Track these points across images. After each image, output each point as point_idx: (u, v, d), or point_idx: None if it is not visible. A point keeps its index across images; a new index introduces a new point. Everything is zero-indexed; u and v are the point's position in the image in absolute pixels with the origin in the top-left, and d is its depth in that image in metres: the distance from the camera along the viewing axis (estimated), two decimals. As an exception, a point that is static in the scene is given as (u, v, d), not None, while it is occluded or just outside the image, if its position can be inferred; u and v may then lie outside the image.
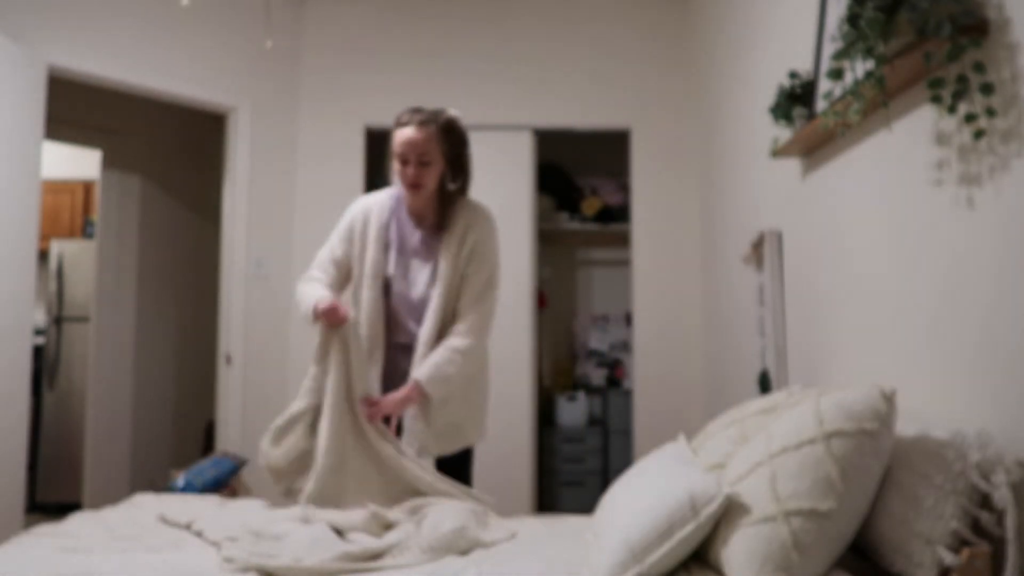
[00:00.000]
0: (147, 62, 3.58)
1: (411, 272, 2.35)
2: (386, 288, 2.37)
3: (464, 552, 1.82)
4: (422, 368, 2.26)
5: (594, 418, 4.85)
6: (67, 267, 5.11)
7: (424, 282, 2.34)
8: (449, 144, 2.32)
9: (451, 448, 2.38)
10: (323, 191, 4.17)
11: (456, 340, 2.28)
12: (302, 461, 2.17)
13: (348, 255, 2.39)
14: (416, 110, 2.31)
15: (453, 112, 2.35)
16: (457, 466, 2.39)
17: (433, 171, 2.30)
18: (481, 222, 2.37)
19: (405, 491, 2.14)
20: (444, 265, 2.31)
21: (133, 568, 1.61)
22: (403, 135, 2.28)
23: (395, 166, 2.30)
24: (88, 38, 3.39)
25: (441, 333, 2.32)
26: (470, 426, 2.40)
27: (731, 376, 3.44)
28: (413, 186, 2.29)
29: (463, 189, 2.39)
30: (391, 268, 2.36)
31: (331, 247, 2.42)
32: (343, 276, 2.42)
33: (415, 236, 2.38)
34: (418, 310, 2.35)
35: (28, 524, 2.48)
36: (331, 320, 2.20)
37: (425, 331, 2.31)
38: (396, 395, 2.25)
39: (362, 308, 2.35)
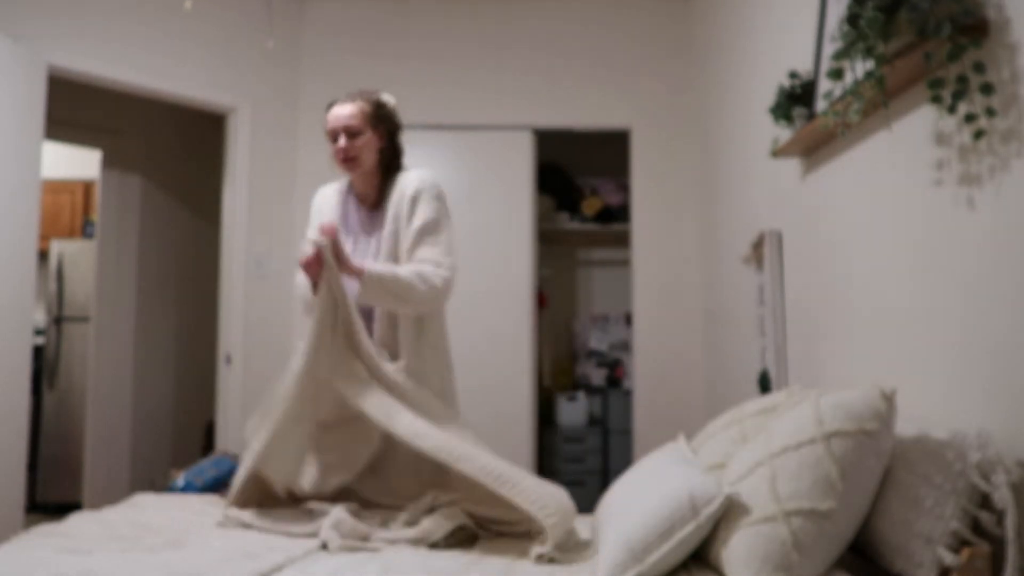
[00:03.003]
0: (147, 62, 3.58)
1: (357, 250, 2.31)
2: None
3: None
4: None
5: (594, 418, 4.85)
6: (67, 267, 5.11)
7: (371, 255, 2.29)
8: (379, 119, 2.32)
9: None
10: (323, 191, 4.17)
11: (416, 266, 2.20)
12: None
13: None
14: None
15: (387, 97, 2.38)
16: None
17: (363, 143, 2.28)
18: (412, 180, 2.31)
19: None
20: (385, 233, 2.27)
21: (133, 568, 1.61)
22: (331, 112, 2.32)
23: (331, 151, 2.31)
24: (88, 38, 3.39)
25: None
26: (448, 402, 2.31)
27: (731, 376, 3.44)
28: (346, 160, 2.28)
29: (397, 166, 2.38)
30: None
31: (307, 238, 2.40)
32: None
33: (359, 215, 2.38)
34: None
35: (28, 524, 2.48)
36: (311, 268, 2.07)
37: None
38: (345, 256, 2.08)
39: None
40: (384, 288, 2.11)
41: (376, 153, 2.32)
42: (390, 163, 2.36)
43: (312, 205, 2.47)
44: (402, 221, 2.27)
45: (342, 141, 2.27)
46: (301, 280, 2.21)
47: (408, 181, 2.31)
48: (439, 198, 2.31)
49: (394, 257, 2.26)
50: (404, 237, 2.26)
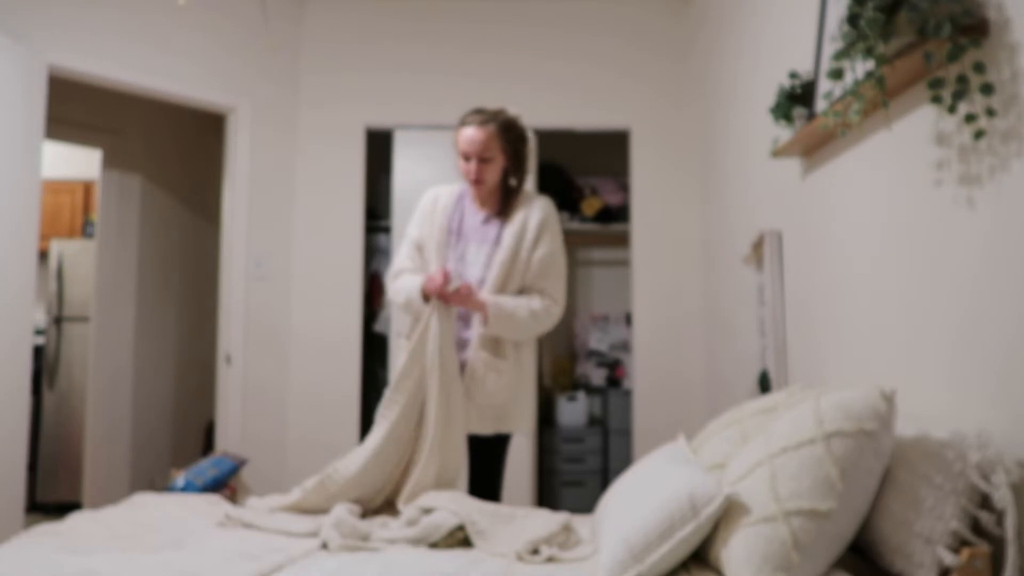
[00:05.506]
0: (147, 62, 3.58)
1: (468, 255, 2.48)
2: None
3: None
4: (496, 296, 2.37)
5: (594, 418, 4.85)
6: (67, 267, 5.11)
7: (481, 264, 2.46)
8: (508, 141, 2.46)
9: (491, 428, 2.44)
10: (323, 191, 4.17)
11: (533, 299, 2.42)
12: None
13: (424, 237, 2.54)
14: (478, 111, 2.47)
15: (513, 111, 2.50)
16: (493, 449, 2.46)
17: (493, 167, 2.45)
18: (539, 207, 2.51)
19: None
20: (503, 249, 2.43)
21: (133, 568, 1.61)
22: (465, 134, 2.44)
23: (459, 163, 2.47)
24: (88, 38, 3.39)
25: None
26: (516, 414, 2.47)
27: (731, 376, 3.44)
28: (475, 181, 2.45)
29: (521, 182, 2.54)
30: (450, 251, 2.49)
31: (410, 235, 2.58)
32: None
33: (475, 223, 2.52)
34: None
35: (28, 524, 2.48)
36: (435, 288, 2.32)
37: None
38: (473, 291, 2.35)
39: None
40: (507, 326, 2.38)
41: (500, 172, 2.48)
42: (511, 177, 2.51)
43: (422, 204, 2.60)
44: (524, 245, 2.44)
45: (473, 164, 2.43)
46: (409, 286, 2.42)
47: (534, 208, 2.49)
48: (559, 232, 2.52)
49: (507, 274, 2.42)
50: (522, 260, 2.43)
